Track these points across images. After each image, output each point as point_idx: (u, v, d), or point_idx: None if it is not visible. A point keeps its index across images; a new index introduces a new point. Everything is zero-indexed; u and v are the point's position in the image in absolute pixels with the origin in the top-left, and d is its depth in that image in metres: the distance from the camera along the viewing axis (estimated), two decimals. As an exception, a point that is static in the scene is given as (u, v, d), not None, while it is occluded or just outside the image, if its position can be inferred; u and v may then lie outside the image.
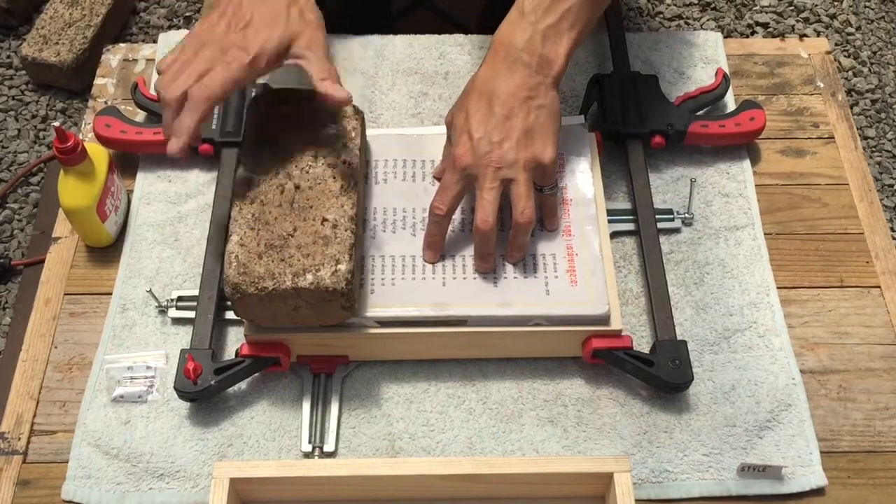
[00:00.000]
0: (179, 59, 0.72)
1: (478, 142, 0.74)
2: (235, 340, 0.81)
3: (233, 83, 0.71)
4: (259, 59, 0.72)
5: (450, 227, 0.78)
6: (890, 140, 1.64)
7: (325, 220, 0.73)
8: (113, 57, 1.02)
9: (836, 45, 1.76)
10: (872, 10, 1.82)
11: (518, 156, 0.74)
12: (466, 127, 0.75)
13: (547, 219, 0.80)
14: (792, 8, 1.81)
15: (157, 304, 0.82)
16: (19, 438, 0.77)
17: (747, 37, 1.76)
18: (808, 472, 0.74)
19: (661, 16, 1.79)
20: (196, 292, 0.81)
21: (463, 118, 0.76)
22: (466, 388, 0.79)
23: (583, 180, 0.83)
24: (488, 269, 0.77)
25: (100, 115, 0.91)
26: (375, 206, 0.82)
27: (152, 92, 0.96)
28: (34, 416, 0.78)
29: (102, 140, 0.90)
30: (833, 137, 0.95)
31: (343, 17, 1.05)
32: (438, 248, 0.78)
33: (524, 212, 0.74)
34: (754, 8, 1.80)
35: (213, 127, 0.89)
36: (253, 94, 0.88)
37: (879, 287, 0.85)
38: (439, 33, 1.03)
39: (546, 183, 0.77)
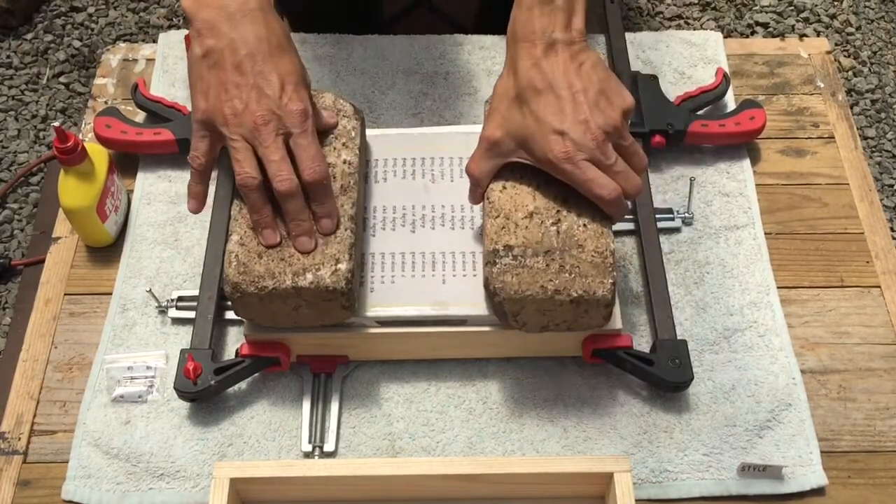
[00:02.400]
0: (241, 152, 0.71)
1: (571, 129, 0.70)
2: (235, 340, 0.81)
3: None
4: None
5: (453, 224, 0.79)
6: (890, 140, 1.64)
7: (325, 219, 0.73)
8: (113, 57, 1.02)
9: (836, 45, 1.76)
10: (872, 10, 1.82)
11: (613, 115, 0.70)
12: (549, 126, 0.70)
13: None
14: (792, 8, 1.80)
15: (157, 304, 0.82)
16: (19, 438, 0.77)
17: (747, 37, 1.76)
18: (808, 472, 0.74)
19: (661, 16, 1.79)
20: (196, 292, 0.81)
21: (533, 121, 0.71)
22: (466, 388, 0.79)
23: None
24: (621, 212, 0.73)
25: (100, 116, 0.91)
26: (375, 204, 0.82)
27: (152, 92, 0.96)
28: (34, 416, 0.78)
29: (103, 141, 0.90)
30: (833, 137, 0.95)
31: (335, 18, 1.05)
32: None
33: (642, 155, 0.74)
34: (754, 8, 1.80)
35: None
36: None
37: (879, 287, 0.85)
38: (439, 33, 1.03)
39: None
